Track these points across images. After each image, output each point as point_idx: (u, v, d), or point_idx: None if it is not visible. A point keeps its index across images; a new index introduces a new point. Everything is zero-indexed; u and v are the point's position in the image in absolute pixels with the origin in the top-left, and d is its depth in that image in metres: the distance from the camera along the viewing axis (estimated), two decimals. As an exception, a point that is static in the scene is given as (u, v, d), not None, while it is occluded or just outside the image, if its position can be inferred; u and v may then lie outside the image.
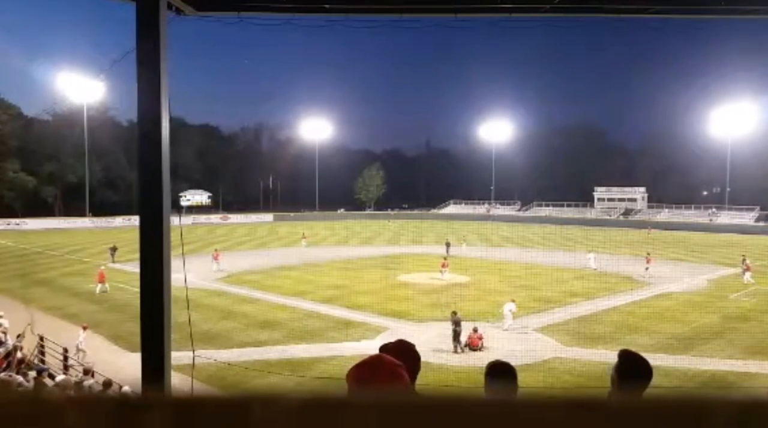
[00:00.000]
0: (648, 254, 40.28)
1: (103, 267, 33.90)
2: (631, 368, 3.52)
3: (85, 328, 20.74)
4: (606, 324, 25.20)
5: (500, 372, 3.75)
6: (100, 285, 31.34)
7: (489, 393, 3.53)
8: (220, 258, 39.51)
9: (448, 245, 49.14)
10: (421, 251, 50.02)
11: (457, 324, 21.07)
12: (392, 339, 3.50)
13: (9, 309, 21.87)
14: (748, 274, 35.46)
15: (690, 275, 38.29)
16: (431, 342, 21.36)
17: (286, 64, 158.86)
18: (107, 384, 12.72)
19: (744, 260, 37.16)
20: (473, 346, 21.16)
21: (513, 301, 24.95)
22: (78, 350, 19.42)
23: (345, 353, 19.85)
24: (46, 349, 19.55)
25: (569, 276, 36.26)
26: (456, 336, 21.03)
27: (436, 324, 24.13)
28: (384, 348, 3.29)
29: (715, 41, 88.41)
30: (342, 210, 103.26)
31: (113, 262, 41.27)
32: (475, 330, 21.53)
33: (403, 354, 3.27)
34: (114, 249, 44.07)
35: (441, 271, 36.59)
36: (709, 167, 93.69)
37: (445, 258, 38.33)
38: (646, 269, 37.62)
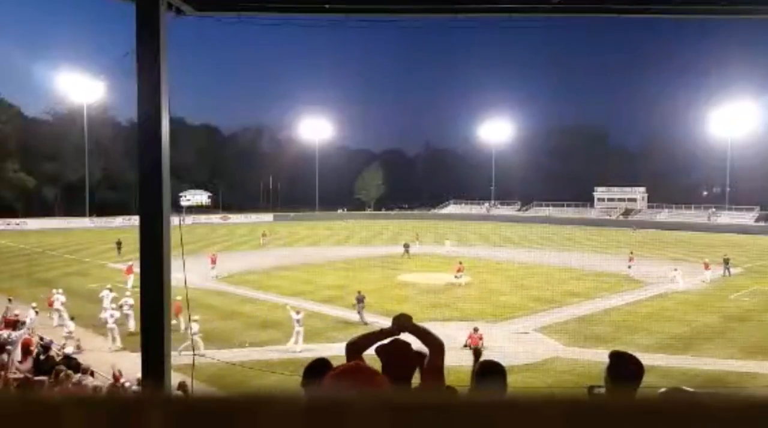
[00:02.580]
0: (631, 252, 40.95)
1: (132, 263, 34.07)
2: (622, 369, 3.53)
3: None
4: (606, 323, 25.22)
5: (490, 371, 3.75)
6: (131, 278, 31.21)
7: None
8: (217, 261, 37.64)
9: (406, 246, 46.77)
10: (420, 251, 50.02)
11: (359, 301, 25.75)
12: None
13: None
14: (708, 273, 35.60)
15: (690, 275, 38.33)
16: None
17: (286, 64, 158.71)
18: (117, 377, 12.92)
19: (727, 260, 37.62)
20: (473, 346, 21.15)
21: (677, 269, 33.99)
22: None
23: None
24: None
25: (569, 276, 36.27)
26: (359, 312, 25.68)
27: (437, 324, 24.10)
28: (380, 348, 3.29)
29: (716, 41, 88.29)
30: (340, 210, 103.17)
31: (119, 255, 41.70)
32: (476, 330, 21.51)
33: (398, 354, 3.27)
34: (119, 243, 44.64)
35: (456, 275, 34.52)
36: (709, 167, 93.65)
37: (460, 262, 36.00)
38: (629, 267, 38.31)
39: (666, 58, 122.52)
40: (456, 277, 34.56)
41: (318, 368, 3.37)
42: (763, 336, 23.10)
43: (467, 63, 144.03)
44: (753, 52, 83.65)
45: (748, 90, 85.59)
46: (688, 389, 3.07)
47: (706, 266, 36.01)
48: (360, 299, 26.12)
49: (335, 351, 20.49)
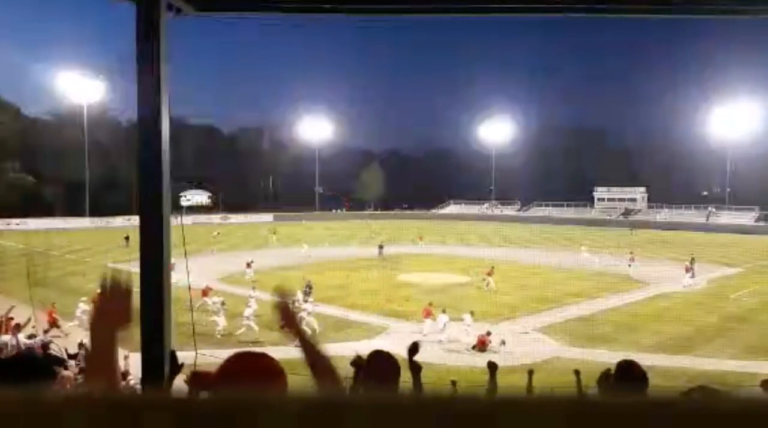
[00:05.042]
0: (631, 252, 41.28)
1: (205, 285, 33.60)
2: (628, 375, 3.51)
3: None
4: (606, 323, 25.21)
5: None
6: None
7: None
8: (252, 266, 36.71)
9: (381, 247, 46.28)
10: (419, 251, 50.03)
11: (306, 294, 27.77)
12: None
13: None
14: (688, 276, 34.91)
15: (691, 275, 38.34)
16: (432, 342, 21.36)
17: (286, 64, 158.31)
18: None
19: (692, 260, 37.15)
20: (481, 346, 21.11)
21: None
22: None
23: (345, 353, 19.82)
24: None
25: (569, 276, 36.27)
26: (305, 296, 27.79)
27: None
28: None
29: (716, 41, 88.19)
30: (336, 211, 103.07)
31: (127, 247, 43.90)
32: (489, 333, 21.42)
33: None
34: (128, 238, 46.81)
35: (485, 280, 32.44)
36: (709, 167, 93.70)
37: (492, 267, 34.00)
38: (629, 266, 38.50)
39: (665, 59, 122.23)
40: (485, 281, 32.50)
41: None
42: (763, 336, 23.10)
43: (467, 63, 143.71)
44: (753, 52, 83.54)
45: (748, 90, 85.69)
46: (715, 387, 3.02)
47: (687, 269, 35.44)
48: (309, 286, 28.67)
49: (335, 351, 20.54)
